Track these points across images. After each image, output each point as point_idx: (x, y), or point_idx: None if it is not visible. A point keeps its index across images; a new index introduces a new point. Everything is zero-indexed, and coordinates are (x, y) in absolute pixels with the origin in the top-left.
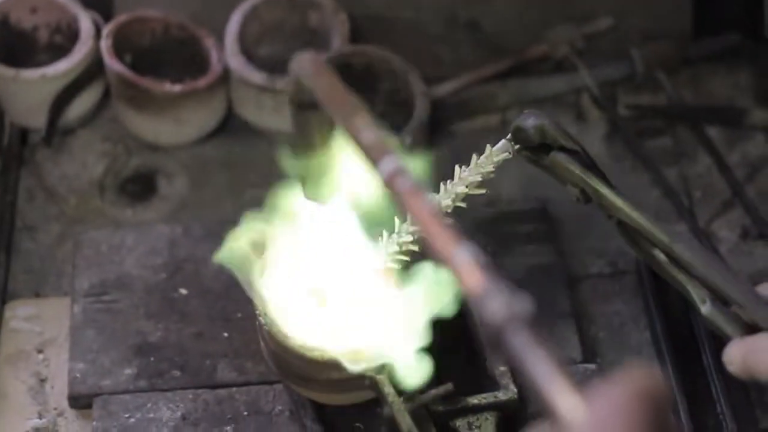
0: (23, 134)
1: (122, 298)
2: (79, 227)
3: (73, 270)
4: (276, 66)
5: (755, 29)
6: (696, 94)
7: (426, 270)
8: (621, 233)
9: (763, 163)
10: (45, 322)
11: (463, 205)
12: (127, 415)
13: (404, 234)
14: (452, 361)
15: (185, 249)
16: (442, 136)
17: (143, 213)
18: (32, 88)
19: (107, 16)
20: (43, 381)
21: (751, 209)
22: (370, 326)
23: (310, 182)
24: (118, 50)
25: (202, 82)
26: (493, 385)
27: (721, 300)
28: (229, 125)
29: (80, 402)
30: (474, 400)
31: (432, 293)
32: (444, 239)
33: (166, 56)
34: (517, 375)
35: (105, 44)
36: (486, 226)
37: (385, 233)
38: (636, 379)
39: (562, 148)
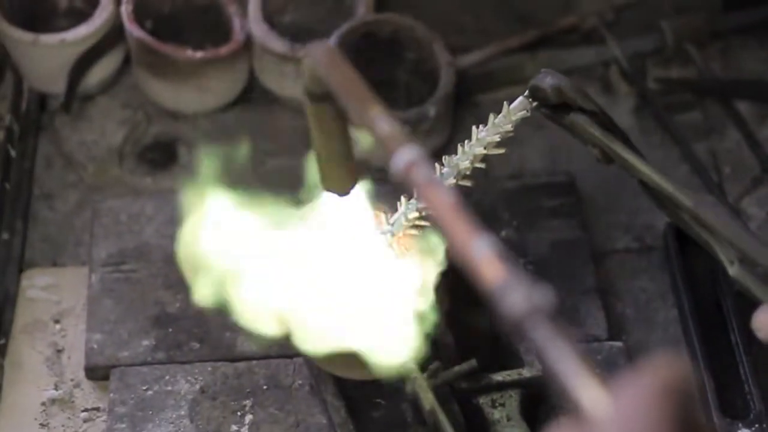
0: (42, 100)
1: (141, 267)
2: (97, 195)
3: (91, 239)
4: (299, 34)
5: None
6: (726, 68)
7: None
8: (645, 192)
9: None
10: (62, 292)
11: (482, 165)
12: (144, 388)
13: (413, 209)
14: (476, 338)
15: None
16: (467, 107)
17: (163, 181)
18: (51, 53)
19: None
20: (59, 351)
21: None
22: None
23: (326, 174)
24: (139, 16)
25: (224, 49)
26: (517, 362)
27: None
28: (251, 94)
29: (97, 373)
30: (498, 377)
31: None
32: (462, 231)
33: (188, 23)
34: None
35: (126, 9)
36: (510, 199)
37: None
38: (662, 372)
39: (581, 109)
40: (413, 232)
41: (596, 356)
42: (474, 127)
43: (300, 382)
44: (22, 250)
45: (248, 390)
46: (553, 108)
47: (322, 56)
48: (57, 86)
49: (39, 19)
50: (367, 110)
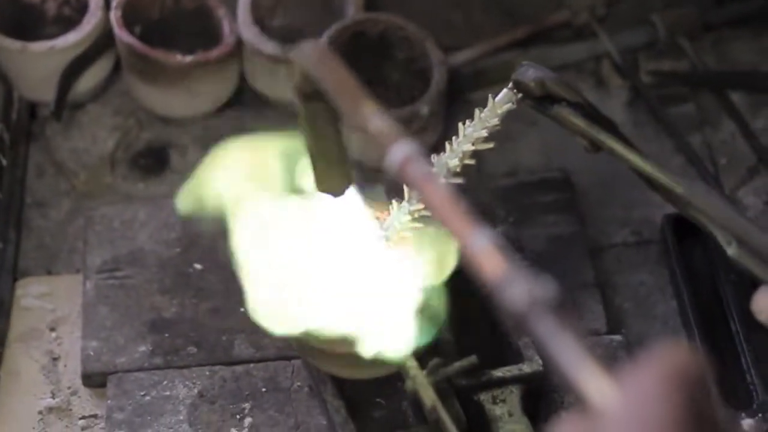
0: (32, 109)
1: (135, 273)
2: (90, 203)
3: (84, 246)
4: (290, 36)
5: None
6: (719, 60)
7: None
8: (639, 177)
9: None
10: (57, 300)
11: (471, 162)
12: (142, 393)
13: (414, 203)
14: (475, 334)
15: (199, 223)
16: (459, 105)
17: (156, 187)
18: (41, 61)
19: None
20: (55, 359)
21: None
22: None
23: (319, 173)
24: (128, 22)
25: (214, 53)
26: (517, 357)
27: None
28: (242, 97)
29: (94, 380)
30: (498, 373)
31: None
32: (460, 224)
33: (177, 27)
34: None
35: (115, 15)
36: (505, 196)
37: (394, 204)
38: (671, 359)
39: (565, 101)
40: (407, 234)
41: (596, 350)
42: (460, 124)
43: (299, 383)
44: (15, 259)
45: (247, 393)
46: (537, 100)
47: (312, 55)
48: (47, 94)
49: (27, 27)
50: (360, 107)
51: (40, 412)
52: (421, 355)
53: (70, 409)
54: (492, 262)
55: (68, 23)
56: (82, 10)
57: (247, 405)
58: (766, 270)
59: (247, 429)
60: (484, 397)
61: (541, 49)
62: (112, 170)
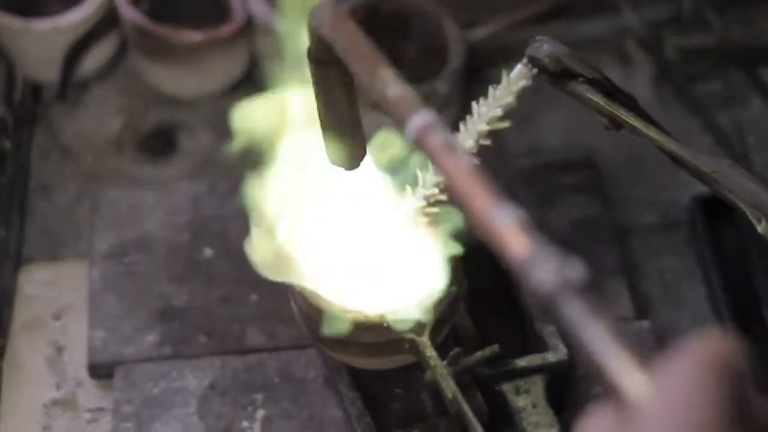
0: (36, 89)
1: (144, 260)
2: (96, 186)
3: (91, 231)
4: None
5: None
6: (747, 34)
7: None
8: (664, 153)
9: None
10: (62, 287)
11: (487, 142)
12: (150, 385)
13: (430, 185)
14: (498, 322)
15: (210, 207)
16: (479, 83)
17: (164, 170)
18: (44, 39)
19: None
20: (60, 350)
21: None
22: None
23: (331, 144)
24: None
25: (224, 30)
26: (541, 346)
27: None
28: (254, 76)
29: (100, 371)
30: (522, 362)
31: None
32: (482, 199)
33: (186, 2)
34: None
35: None
36: (527, 178)
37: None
38: (709, 348)
39: (582, 77)
40: (431, 209)
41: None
42: (474, 103)
43: (313, 374)
44: (19, 245)
45: (259, 384)
46: (553, 76)
47: (328, 17)
48: (51, 74)
49: (29, 4)
50: (378, 74)
51: (44, 405)
52: (442, 344)
53: (76, 402)
54: (517, 240)
55: (72, 1)
56: None
57: (259, 396)
58: None
59: (259, 421)
60: (507, 388)
61: (562, 24)
62: (119, 153)
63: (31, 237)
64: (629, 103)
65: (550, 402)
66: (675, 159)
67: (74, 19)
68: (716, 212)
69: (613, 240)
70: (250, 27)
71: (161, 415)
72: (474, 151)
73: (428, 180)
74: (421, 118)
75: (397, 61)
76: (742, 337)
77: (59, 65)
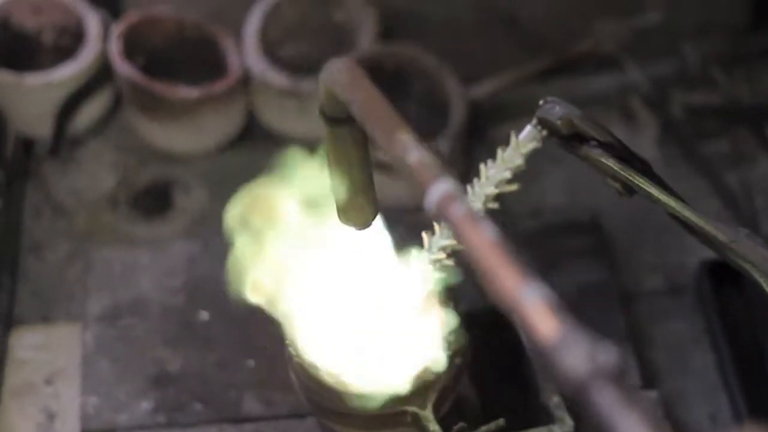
0: (28, 145)
1: (138, 323)
2: (89, 245)
3: (84, 292)
4: (300, 67)
5: None
6: (754, 92)
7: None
8: (674, 220)
9: None
10: (54, 351)
11: (495, 206)
12: None
13: (437, 249)
14: (502, 393)
15: (205, 267)
16: (481, 141)
17: (159, 229)
18: (37, 94)
19: (116, 15)
20: (52, 416)
21: None
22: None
23: (343, 204)
24: (129, 53)
25: (220, 86)
26: (547, 418)
27: None
28: (251, 132)
29: None
30: None
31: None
32: (508, 276)
33: (181, 58)
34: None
35: (115, 46)
36: (530, 240)
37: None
38: None
39: (595, 140)
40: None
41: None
42: (482, 165)
43: None
44: (10, 307)
45: None
46: (564, 138)
47: (342, 74)
48: (44, 129)
49: (23, 59)
50: (396, 137)
51: None
52: (445, 417)
53: None
54: (545, 321)
55: (65, 54)
56: (80, 40)
57: None
58: None
59: None
60: None
61: (565, 80)
62: (113, 210)
63: (22, 298)
64: (643, 168)
65: None
66: (688, 227)
67: (67, 73)
68: (724, 278)
69: (618, 305)
70: (246, 82)
71: None
72: (481, 214)
73: (435, 243)
74: (443, 187)
75: None
76: (752, 408)
77: (52, 120)
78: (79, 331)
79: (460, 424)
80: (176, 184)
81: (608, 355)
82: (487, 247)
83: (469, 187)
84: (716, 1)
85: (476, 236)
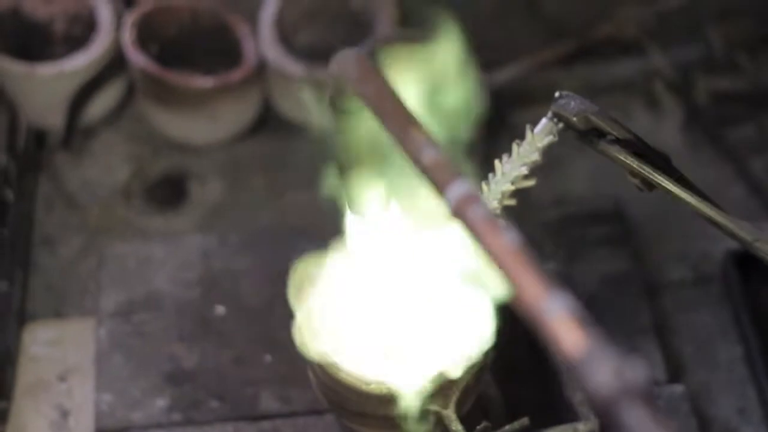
0: (40, 136)
1: (152, 318)
2: (103, 239)
3: (97, 287)
4: (316, 55)
5: None
6: None
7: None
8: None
9: None
10: (67, 347)
11: (512, 202)
12: None
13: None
14: (526, 391)
15: (221, 261)
16: (501, 128)
17: (173, 221)
18: (49, 84)
19: (129, 4)
20: (66, 414)
21: None
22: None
23: (356, 194)
24: (143, 42)
25: (235, 75)
26: (571, 415)
27: None
28: (267, 122)
29: None
30: None
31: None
32: (531, 285)
33: (196, 47)
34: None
35: (128, 35)
36: (553, 229)
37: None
38: None
39: (612, 135)
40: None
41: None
42: (497, 161)
43: None
44: (22, 302)
45: None
46: (581, 133)
47: (352, 67)
48: (56, 121)
49: (34, 49)
50: (411, 135)
51: None
52: (468, 415)
53: None
54: (571, 335)
55: (78, 44)
56: (93, 29)
57: None
58: None
59: None
60: None
61: (587, 66)
62: (127, 203)
63: (34, 292)
64: (662, 163)
65: None
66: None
67: (80, 63)
68: (751, 267)
69: (644, 296)
70: (262, 71)
71: None
72: (497, 212)
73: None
74: (459, 188)
75: None
76: None
77: (64, 111)
78: (92, 327)
79: (484, 424)
80: (191, 176)
81: (636, 371)
82: (507, 253)
83: (483, 184)
84: None
85: (496, 242)
